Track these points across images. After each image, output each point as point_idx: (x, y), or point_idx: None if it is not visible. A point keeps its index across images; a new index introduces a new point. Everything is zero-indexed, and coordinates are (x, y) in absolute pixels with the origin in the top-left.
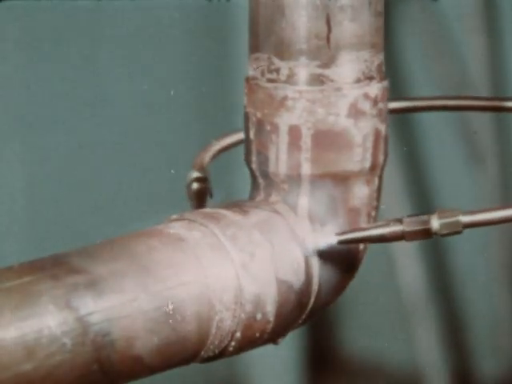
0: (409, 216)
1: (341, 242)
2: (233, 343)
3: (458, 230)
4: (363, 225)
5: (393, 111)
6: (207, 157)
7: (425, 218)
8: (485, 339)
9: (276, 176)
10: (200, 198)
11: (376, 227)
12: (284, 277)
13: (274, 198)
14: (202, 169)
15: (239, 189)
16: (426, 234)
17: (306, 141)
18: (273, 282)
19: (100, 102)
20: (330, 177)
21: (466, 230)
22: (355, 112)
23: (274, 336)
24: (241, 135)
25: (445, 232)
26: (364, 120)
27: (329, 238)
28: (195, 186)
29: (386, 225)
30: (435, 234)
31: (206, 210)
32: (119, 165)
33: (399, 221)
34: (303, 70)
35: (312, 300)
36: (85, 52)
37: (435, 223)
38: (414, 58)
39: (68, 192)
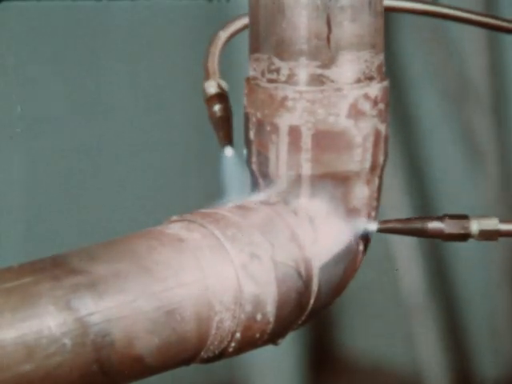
0: (449, 217)
1: (381, 231)
2: (233, 344)
3: (494, 238)
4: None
5: (388, 9)
6: (217, 52)
7: (465, 222)
8: (485, 339)
9: (276, 176)
10: (226, 126)
11: (418, 221)
12: (284, 277)
13: (274, 198)
14: (216, 79)
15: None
16: (462, 237)
17: (306, 141)
18: (273, 282)
19: (100, 101)
20: (330, 177)
21: None
22: (355, 112)
23: (273, 336)
24: (246, 20)
25: (481, 239)
26: (364, 120)
27: (328, 238)
28: (217, 109)
29: (428, 221)
30: (471, 238)
31: (206, 210)
32: (119, 165)
33: (440, 219)
34: (303, 70)
35: (312, 300)
36: (85, 52)
37: (474, 229)
38: (414, 59)
39: (68, 192)
